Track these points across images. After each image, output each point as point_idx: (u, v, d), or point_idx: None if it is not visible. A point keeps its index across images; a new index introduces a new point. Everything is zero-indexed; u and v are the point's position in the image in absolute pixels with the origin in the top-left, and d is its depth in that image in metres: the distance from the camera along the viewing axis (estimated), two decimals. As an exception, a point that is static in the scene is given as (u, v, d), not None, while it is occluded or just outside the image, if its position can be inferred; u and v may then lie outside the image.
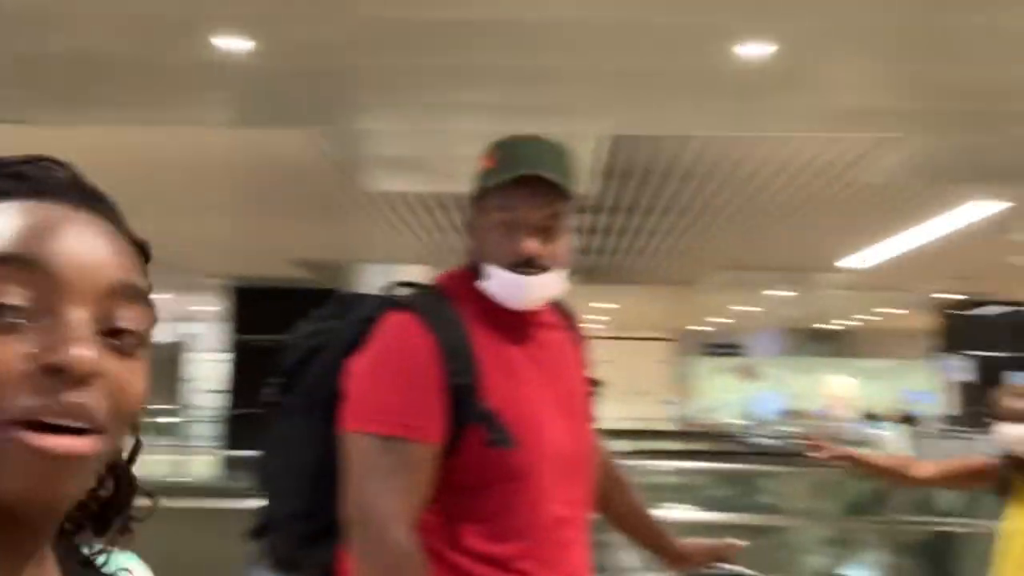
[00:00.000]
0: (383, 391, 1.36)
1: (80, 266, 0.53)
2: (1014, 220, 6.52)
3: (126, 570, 0.63)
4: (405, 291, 1.48)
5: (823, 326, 17.59)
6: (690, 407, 17.68)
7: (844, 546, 5.67)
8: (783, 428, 13.82)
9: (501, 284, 1.41)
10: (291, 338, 1.51)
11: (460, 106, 5.00)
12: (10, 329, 0.51)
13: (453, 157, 6.12)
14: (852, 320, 16.65)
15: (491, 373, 1.37)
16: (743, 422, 14.79)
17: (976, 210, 6.59)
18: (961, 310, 12.39)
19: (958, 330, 12.48)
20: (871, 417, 14.90)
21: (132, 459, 0.61)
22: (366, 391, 1.36)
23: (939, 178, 6.07)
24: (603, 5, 3.62)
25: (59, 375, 0.50)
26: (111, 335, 0.54)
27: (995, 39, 3.82)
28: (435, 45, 4.04)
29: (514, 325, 1.44)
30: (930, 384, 15.24)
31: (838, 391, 18.27)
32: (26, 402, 0.49)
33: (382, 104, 4.94)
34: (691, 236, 8.38)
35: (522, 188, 1.37)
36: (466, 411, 1.34)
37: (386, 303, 1.44)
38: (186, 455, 11.22)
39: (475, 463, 1.36)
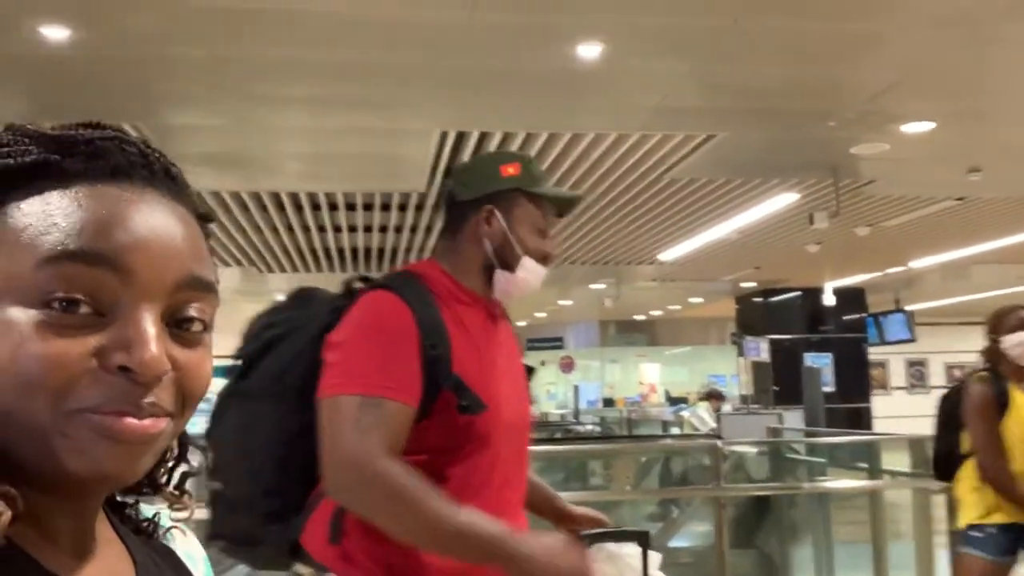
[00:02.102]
0: (365, 357, 1.46)
1: (152, 263, 0.53)
2: (812, 211, 7.10)
3: (175, 526, 0.66)
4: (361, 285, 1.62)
5: (637, 317, 18.44)
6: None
7: (668, 519, 6.01)
8: (602, 415, 14.41)
9: (529, 272, 1.62)
10: (248, 327, 1.61)
11: (282, 100, 4.88)
12: (81, 325, 0.51)
13: (276, 153, 5.98)
14: (662, 310, 17.55)
15: (459, 347, 1.52)
16: (564, 411, 15.26)
17: (778, 202, 7.13)
18: (758, 297, 13.36)
19: (756, 315, 13.44)
20: (674, 400, 15.83)
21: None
22: (349, 359, 1.46)
23: (745, 173, 6.53)
24: (432, 4, 3.65)
25: (131, 375, 0.52)
26: (179, 324, 0.55)
27: (791, 42, 4.18)
28: (260, 36, 3.94)
29: (478, 310, 1.62)
30: (730, 367, 16.33)
31: (650, 378, 19.23)
32: (98, 398, 0.51)
33: (200, 98, 4.74)
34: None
35: (555, 207, 1.67)
36: (439, 379, 1.47)
37: (353, 289, 1.58)
38: None
39: (445, 426, 1.48)
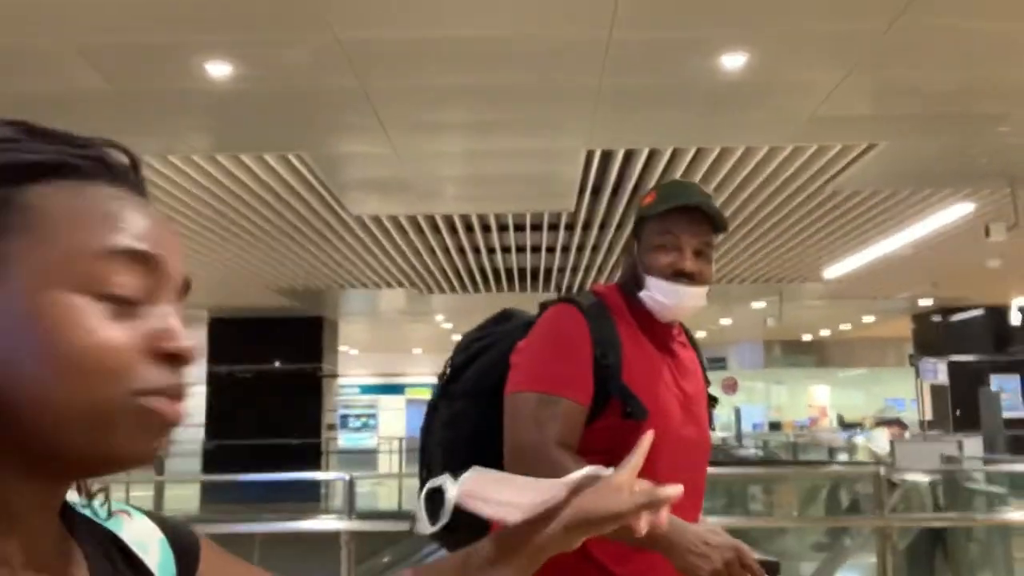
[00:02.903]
0: (545, 360, 1.64)
1: (176, 266, 0.60)
2: (988, 222, 6.61)
3: (124, 511, 0.68)
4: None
5: (804, 337, 17.70)
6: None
7: (834, 550, 5.70)
8: (766, 439, 13.89)
9: (661, 292, 1.70)
10: (459, 342, 1.85)
11: (437, 127, 5.03)
12: (126, 315, 0.56)
13: (433, 177, 6.17)
14: (830, 329, 16.76)
15: (630, 359, 1.66)
16: (726, 435, 14.82)
17: (950, 214, 6.68)
18: (937, 315, 12.53)
19: (934, 335, 12.61)
20: (847, 425, 15.04)
21: None
22: (531, 360, 1.65)
23: (913, 183, 6.16)
24: (573, 23, 3.66)
25: (172, 360, 0.57)
26: None
27: (960, 42, 3.91)
28: (408, 64, 4.08)
29: (654, 332, 1.74)
30: (908, 391, 15.38)
31: (820, 401, 18.38)
32: (148, 380, 0.56)
33: (356, 126, 4.96)
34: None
35: (683, 216, 1.69)
36: (609, 386, 1.62)
37: (547, 305, 1.75)
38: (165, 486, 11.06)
39: (611, 430, 1.60)
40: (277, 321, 12.46)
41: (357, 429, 20.71)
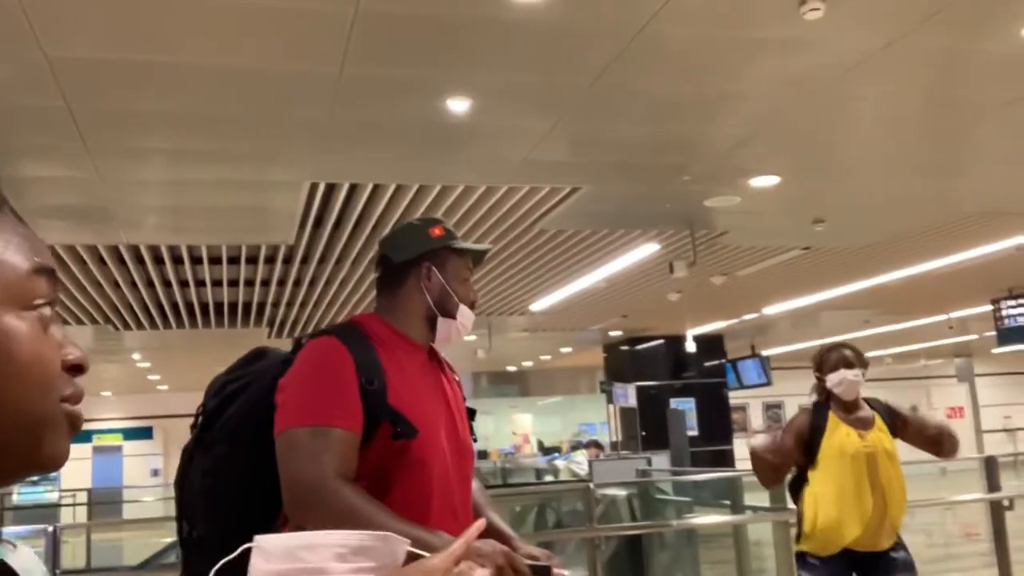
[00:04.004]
0: (312, 393, 1.66)
1: (56, 274, 0.66)
2: (672, 260, 7.42)
3: (8, 541, 0.70)
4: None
5: (509, 368, 18.58)
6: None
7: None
8: (478, 467, 14.34)
9: (465, 317, 1.87)
10: (210, 385, 1.81)
11: (156, 153, 4.77)
12: (46, 327, 0.62)
13: (135, 206, 5.79)
14: (533, 360, 17.76)
15: (394, 382, 1.71)
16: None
17: (640, 252, 7.42)
18: (625, 345, 13.74)
19: (623, 363, 13.81)
20: (547, 450, 16.01)
21: None
22: (297, 395, 1.66)
23: (610, 224, 6.78)
24: (302, 57, 3.68)
25: (74, 370, 0.64)
26: None
27: (651, 101, 4.42)
28: (115, 88, 3.85)
29: (416, 354, 1.83)
30: (600, 415, 16.66)
31: (524, 429, 19.35)
32: (66, 388, 0.63)
33: (53, 149, 4.58)
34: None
35: (470, 259, 1.93)
36: (377, 411, 1.66)
37: (301, 344, 1.77)
38: None
39: (381, 452, 1.66)
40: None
41: (35, 482, 18.57)
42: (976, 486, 6.49)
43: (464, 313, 1.88)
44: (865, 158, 5.54)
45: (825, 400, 3.55)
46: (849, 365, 3.47)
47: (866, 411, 3.52)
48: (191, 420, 1.82)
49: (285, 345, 1.90)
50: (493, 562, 1.49)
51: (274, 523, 1.69)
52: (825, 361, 3.52)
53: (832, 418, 3.48)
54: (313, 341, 1.75)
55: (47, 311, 0.62)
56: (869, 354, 3.68)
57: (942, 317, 13.10)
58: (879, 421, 3.49)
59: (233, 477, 1.70)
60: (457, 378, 1.97)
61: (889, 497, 3.37)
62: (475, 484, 2.00)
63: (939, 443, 3.45)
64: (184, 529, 1.73)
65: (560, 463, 11.73)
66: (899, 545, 3.41)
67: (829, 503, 3.39)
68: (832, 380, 3.47)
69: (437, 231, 1.91)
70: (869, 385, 3.57)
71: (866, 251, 8.11)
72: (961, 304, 12.04)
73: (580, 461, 10.04)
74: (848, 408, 3.50)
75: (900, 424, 3.49)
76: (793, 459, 3.51)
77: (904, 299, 10.96)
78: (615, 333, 13.36)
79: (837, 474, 3.39)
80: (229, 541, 1.69)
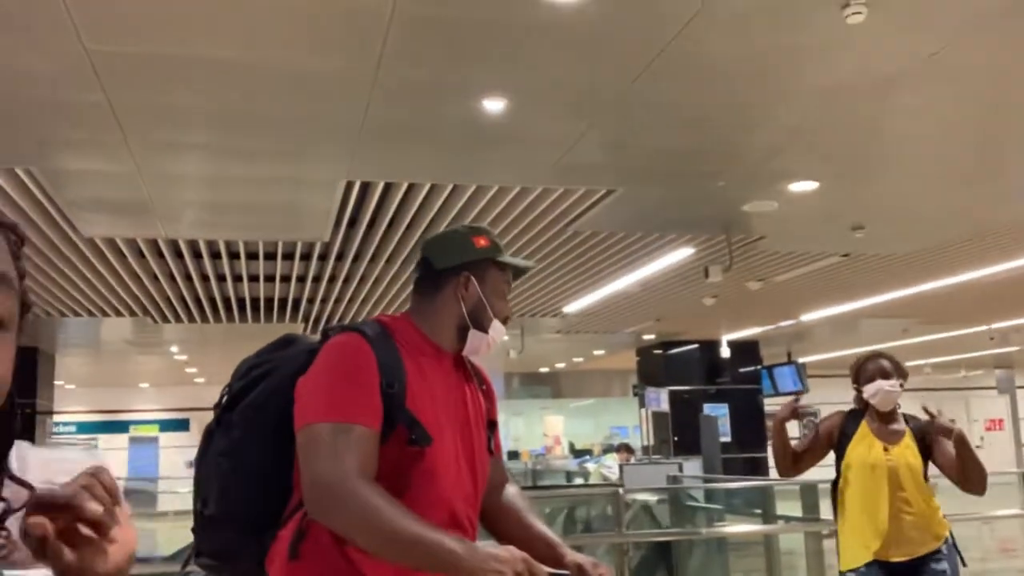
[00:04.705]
0: (334, 388, 1.65)
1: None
2: (707, 265, 7.35)
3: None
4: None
5: (542, 369, 18.55)
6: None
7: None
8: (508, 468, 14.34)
9: (497, 332, 1.85)
10: (237, 368, 1.82)
11: (182, 147, 4.82)
12: None
13: (174, 200, 5.86)
14: (566, 362, 17.71)
15: (415, 388, 1.70)
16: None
17: (675, 256, 7.36)
18: (659, 349, 13.65)
19: (656, 367, 13.72)
20: (578, 452, 15.96)
21: None
22: (319, 390, 1.65)
23: (644, 227, 6.73)
24: (340, 56, 3.69)
25: None
26: None
27: (687, 107, 4.37)
28: (159, 81, 3.90)
29: (442, 362, 1.82)
30: (632, 419, 16.58)
31: (555, 430, 19.32)
32: None
33: (95, 143, 4.64)
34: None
35: (511, 274, 1.90)
36: (394, 415, 1.65)
37: (330, 332, 1.77)
38: None
39: (395, 457, 1.65)
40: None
41: (72, 470, 18.87)
42: (1015, 501, 6.34)
43: (496, 328, 1.86)
44: (907, 165, 5.45)
45: (863, 408, 3.50)
46: (886, 376, 3.41)
47: (899, 424, 3.47)
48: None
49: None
50: (512, 569, 1.47)
51: (282, 511, 1.69)
52: (862, 371, 3.47)
53: (863, 427, 3.45)
54: (337, 337, 1.74)
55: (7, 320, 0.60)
56: (908, 363, 3.61)
57: (983, 328, 12.85)
58: (908, 438, 3.43)
59: (247, 462, 1.70)
60: (485, 387, 1.94)
61: (907, 512, 3.33)
62: (513, 488, 1.98)
63: (964, 474, 3.35)
64: (199, 509, 1.74)
65: (591, 466, 11.69)
66: (942, 555, 3.35)
67: (853, 512, 3.40)
68: (868, 391, 3.42)
69: (482, 242, 1.87)
70: (907, 395, 3.51)
71: (906, 259, 7.98)
72: (1003, 315, 11.80)
73: (610, 465, 9.98)
74: (883, 419, 3.45)
75: (929, 445, 3.43)
76: (812, 452, 3.49)
77: (944, 308, 10.76)
78: (648, 337, 13.27)
79: (859, 484, 3.38)
80: (238, 523, 1.71)
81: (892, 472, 3.35)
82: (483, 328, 1.83)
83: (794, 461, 3.53)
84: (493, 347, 1.87)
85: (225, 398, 1.79)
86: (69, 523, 0.60)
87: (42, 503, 0.60)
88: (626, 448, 10.55)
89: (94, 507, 0.62)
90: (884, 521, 3.31)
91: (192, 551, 1.77)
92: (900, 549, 3.33)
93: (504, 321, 1.87)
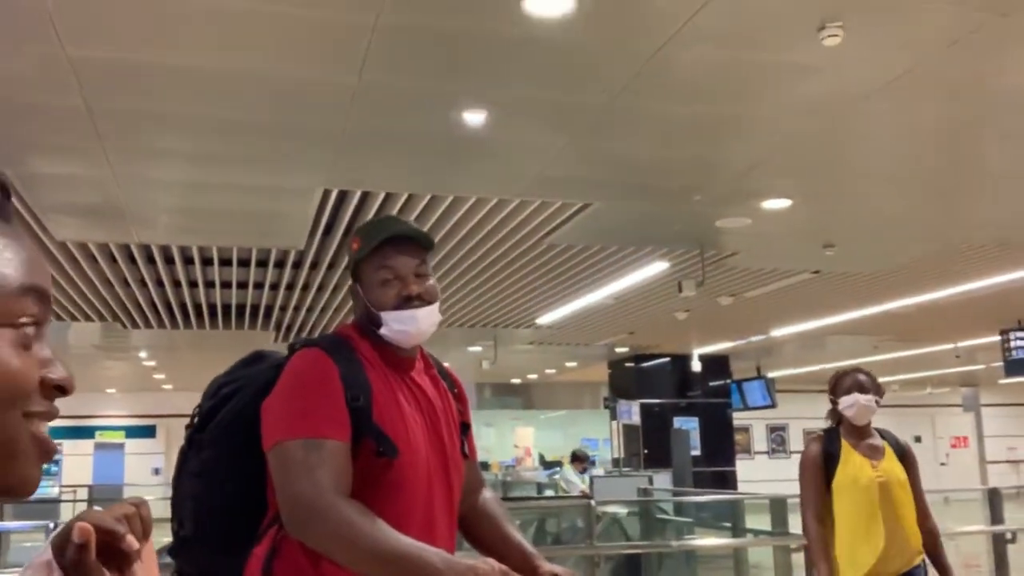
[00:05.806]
0: (301, 405, 1.63)
1: (50, 297, 0.64)
2: (680, 279, 7.42)
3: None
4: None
5: (513, 380, 18.56)
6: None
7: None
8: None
9: (398, 321, 1.73)
10: (208, 387, 1.80)
11: (157, 153, 4.79)
12: (28, 346, 0.62)
13: (149, 206, 5.82)
14: (537, 374, 17.73)
15: (380, 399, 1.68)
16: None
17: (649, 270, 7.42)
18: (630, 362, 13.72)
19: (628, 379, 13.79)
20: (548, 464, 15.96)
21: None
22: (285, 408, 1.64)
23: (619, 241, 6.78)
24: (321, 65, 3.70)
25: (56, 390, 0.63)
26: None
27: (664, 123, 4.43)
28: (134, 89, 3.88)
29: (399, 367, 1.77)
30: (603, 431, 16.62)
31: (525, 442, 19.30)
32: (40, 406, 0.62)
33: (70, 147, 4.60)
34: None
35: (392, 248, 1.75)
36: (361, 427, 1.64)
37: (295, 347, 1.75)
38: None
39: (363, 470, 1.63)
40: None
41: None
42: (979, 517, 6.45)
43: (389, 318, 1.73)
44: (878, 185, 5.54)
45: (836, 423, 3.54)
46: (863, 390, 3.45)
47: (876, 439, 3.51)
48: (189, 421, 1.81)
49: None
50: None
51: (257, 529, 1.69)
52: (839, 384, 3.51)
53: (845, 446, 3.47)
54: (300, 353, 1.72)
55: (31, 330, 0.61)
56: (875, 380, 3.67)
57: (949, 346, 13.06)
58: (889, 451, 3.48)
59: (219, 481, 1.69)
60: (456, 390, 1.89)
61: (902, 526, 3.37)
62: (489, 494, 1.97)
63: (923, 525, 3.44)
64: (176, 530, 1.73)
65: (556, 477, 11.68)
66: (920, 570, 3.40)
67: (843, 533, 3.39)
68: (844, 403, 3.46)
69: (355, 244, 1.80)
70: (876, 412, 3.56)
71: (875, 277, 8.10)
72: (969, 334, 12.00)
73: (569, 476, 9.96)
74: (859, 434, 3.49)
75: (907, 464, 3.49)
76: (822, 498, 3.47)
77: (912, 326, 10.93)
78: (621, 349, 13.33)
79: (850, 504, 3.38)
80: (213, 544, 1.70)
81: (884, 487, 3.38)
82: (379, 325, 1.74)
83: (823, 522, 3.45)
84: (411, 334, 1.74)
85: (196, 418, 1.77)
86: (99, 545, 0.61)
87: (91, 520, 0.61)
88: (581, 458, 10.50)
89: (132, 541, 0.62)
90: (880, 536, 3.32)
91: (172, 571, 1.75)
92: (894, 563, 3.36)
93: (399, 305, 1.73)
